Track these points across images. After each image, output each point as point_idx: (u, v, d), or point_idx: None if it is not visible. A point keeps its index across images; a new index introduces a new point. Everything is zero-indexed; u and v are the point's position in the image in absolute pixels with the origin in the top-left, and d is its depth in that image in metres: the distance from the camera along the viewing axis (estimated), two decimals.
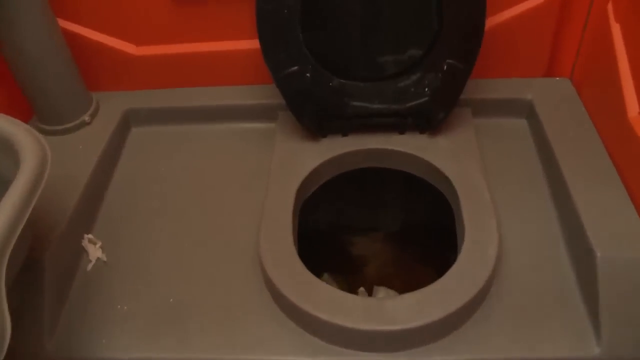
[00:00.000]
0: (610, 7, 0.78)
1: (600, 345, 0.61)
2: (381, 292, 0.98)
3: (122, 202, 0.84)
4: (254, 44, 0.82)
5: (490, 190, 0.75)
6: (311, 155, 0.83)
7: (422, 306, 0.62)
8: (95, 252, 0.76)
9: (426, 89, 0.81)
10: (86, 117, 0.90)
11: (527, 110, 0.89)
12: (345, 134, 0.85)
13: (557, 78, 0.92)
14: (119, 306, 0.70)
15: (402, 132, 0.85)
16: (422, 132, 0.85)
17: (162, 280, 0.73)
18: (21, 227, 0.48)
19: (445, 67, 0.78)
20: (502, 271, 0.68)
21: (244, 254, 0.74)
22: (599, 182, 0.72)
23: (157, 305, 0.70)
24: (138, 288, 0.72)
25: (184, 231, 0.78)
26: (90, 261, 0.76)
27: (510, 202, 0.77)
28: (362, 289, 0.99)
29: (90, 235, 0.78)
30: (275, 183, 0.79)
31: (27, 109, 0.91)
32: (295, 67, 0.78)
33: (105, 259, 0.76)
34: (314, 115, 0.83)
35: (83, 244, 0.77)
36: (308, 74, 0.79)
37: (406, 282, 1.01)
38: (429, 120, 0.83)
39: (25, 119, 0.92)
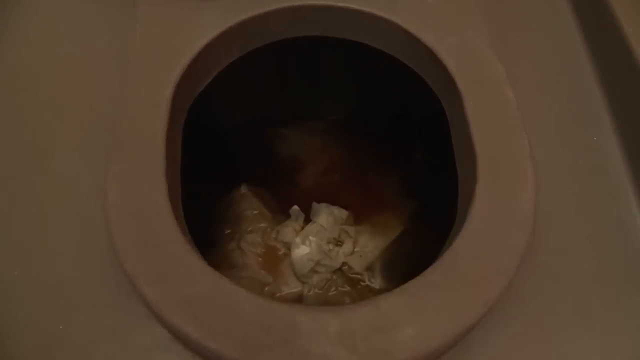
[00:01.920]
0: None
1: None
2: (323, 212, 0.70)
3: None
4: None
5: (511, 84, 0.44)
6: (198, 25, 0.48)
7: (402, 326, 0.34)
8: None
9: None
10: None
11: None
12: None
13: None
14: None
15: None
16: None
17: None
18: None
19: None
20: (539, 234, 0.39)
21: (92, 221, 0.41)
22: None
23: None
24: None
25: None
26: None
27: (540, 105, 0.46)
28: (295, 207, 0.71)
29: None
30: (136, 81, 0.44)
31: None
32: None
33: None
34: None
35: None
36: None
37: (359, 196, 0.73)
38: None
39: None
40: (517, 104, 0.43)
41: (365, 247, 0.69)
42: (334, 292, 0.67)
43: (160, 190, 0.39)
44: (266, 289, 0.67)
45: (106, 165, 0.40)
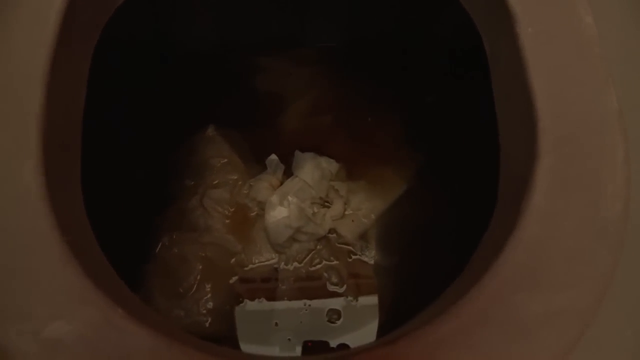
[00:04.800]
0: None
1: None
2: (308, 163, 0.56)
3: None
4: None
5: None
6: None
7: None
8: None
9: None
10: None
11: None
12: None
13: None
14: None
15: None
16: None
17: None
18: None
19: None
20: (631, 251, 0.25)
21: None
22: None
23: None
24: None
25: None
26: None
27: (631, 41, 0.31)
28: (273, 157, 0.58)
29: None
30: None
31: None
32: None
33: None
34: None
35: None
36: None
37: (354, 145, 0.60)
38: None
39: None
40: (598, 36, 0.27)
41: (358, 210, 0.56)
42: (318, 266, 0.54)
43: (29, 161, 0.24)
44: (233, 259, 0.54)
45: None
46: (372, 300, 0.53)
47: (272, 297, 0.53)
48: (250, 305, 0.53)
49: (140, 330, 0.21)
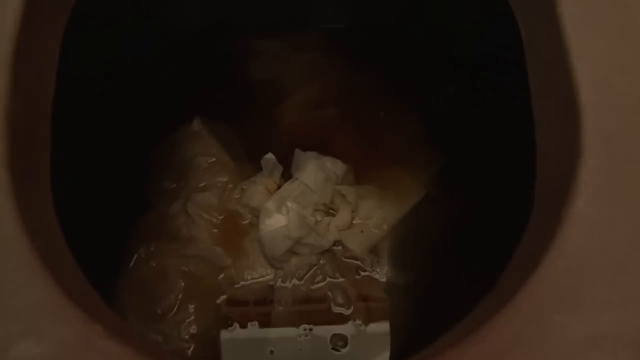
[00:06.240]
0: None
1: None
2: (310, 164, 0.58)
3: None
4: None
5: None
6: None
7: None
8: None
9: None
10: None
11: None
12: None
13: None
14: None
15: None
16: None
17: None
18: None
19: None
20: None
21: None
22: None
23: None
24: None
25: None
26: None
27: None
28: (269, 156, 0.59)
29: None
30: None
31: None
32: None
33: None
34: None
35: None
36: None
37: (363, 143, 0.61)
38: None
39: None
40: None
41: (368, 219, 0.57)
42: (321, 284, 0.56)
43: None
44: (221, 276, 0.55)
45: None
46: (384, 324, 0.53)
47: (266, 321, 0.54)
48: (240, 330, 0.54)
49: (124, 352, 0.22)
